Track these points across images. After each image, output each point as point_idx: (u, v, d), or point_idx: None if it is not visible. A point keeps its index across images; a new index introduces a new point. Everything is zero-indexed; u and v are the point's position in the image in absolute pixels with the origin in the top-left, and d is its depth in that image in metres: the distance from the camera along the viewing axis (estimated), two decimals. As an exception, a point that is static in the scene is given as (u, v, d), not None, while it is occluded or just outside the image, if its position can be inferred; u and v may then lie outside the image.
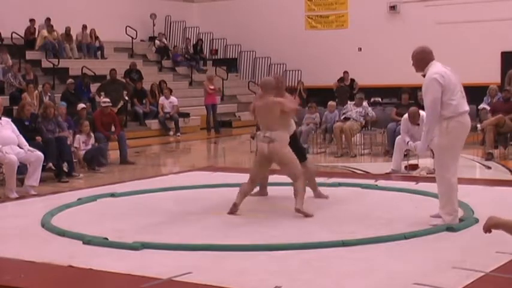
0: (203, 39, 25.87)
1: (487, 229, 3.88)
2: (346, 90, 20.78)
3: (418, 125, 10.46)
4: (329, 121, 14.64)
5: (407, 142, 10.58)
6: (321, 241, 6.10)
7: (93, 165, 11.91)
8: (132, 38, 23.69)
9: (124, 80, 19.69)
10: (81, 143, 12.13)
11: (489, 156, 12.20)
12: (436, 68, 6.72)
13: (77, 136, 12.18)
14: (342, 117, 14.08)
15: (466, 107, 6.80)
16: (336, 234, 6.34)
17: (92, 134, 12.47)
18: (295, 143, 8.06)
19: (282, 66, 24.82)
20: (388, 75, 20.91)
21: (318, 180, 8.64)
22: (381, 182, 9.43)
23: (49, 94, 16.95)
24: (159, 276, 5.18)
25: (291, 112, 7.85)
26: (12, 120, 9.85)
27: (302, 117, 14.71)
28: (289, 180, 7.64)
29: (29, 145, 9.58)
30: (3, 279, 5.22)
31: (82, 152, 11.98)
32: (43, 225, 7.06)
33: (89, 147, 12.18)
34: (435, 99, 6.60)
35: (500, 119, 12.69)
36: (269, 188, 8.69)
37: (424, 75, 6.81)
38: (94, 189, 9.39)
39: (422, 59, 6.83)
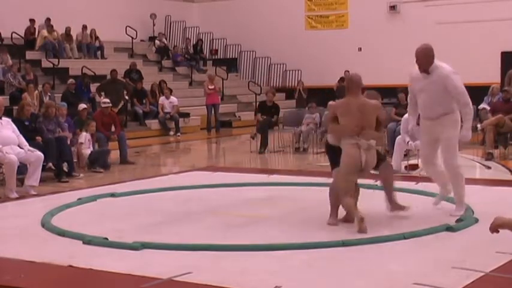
0: (203, 39, 25.87)
1: (494, 229, 3.87)
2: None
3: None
4: (329, 121, 14.59)
5: (408, 142, 10.57)
6: (321, 241, 6.09)
7: (95, 166, 11.90)
8: (132, 38, 23.69)
9: (124, 80, 19.69)
10: (87, 140, 12.12)
11: (489, 156, 12.20)
12: (447, 65, 7.03)
13: (84, 133, 12.16)
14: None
15: None
16: (336, 234, 6.34)
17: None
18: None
19: (282, 66, 24.83)
20: (388, 75, 20.90)
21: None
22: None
23: (49, 94, 16.94)
24: (159, 276, 5.18)
25: (382, 124, 7.12)
26: (12, 120, 9.84)
27: (302, 117, 14.69)
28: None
29: (29, 145, 9.58)
30: (3, 279, 5.22)
31: (87, 151, 11.95)
32: (43, 225, 7.06)
33: (90, 148, 12.17)
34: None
35: (500, 119, 12.69)
36: (269, 188, 8.64)
37: (426, 72, 6.96)
38: (94, 189, 9.39)
39: (432, 56, 7.02)
